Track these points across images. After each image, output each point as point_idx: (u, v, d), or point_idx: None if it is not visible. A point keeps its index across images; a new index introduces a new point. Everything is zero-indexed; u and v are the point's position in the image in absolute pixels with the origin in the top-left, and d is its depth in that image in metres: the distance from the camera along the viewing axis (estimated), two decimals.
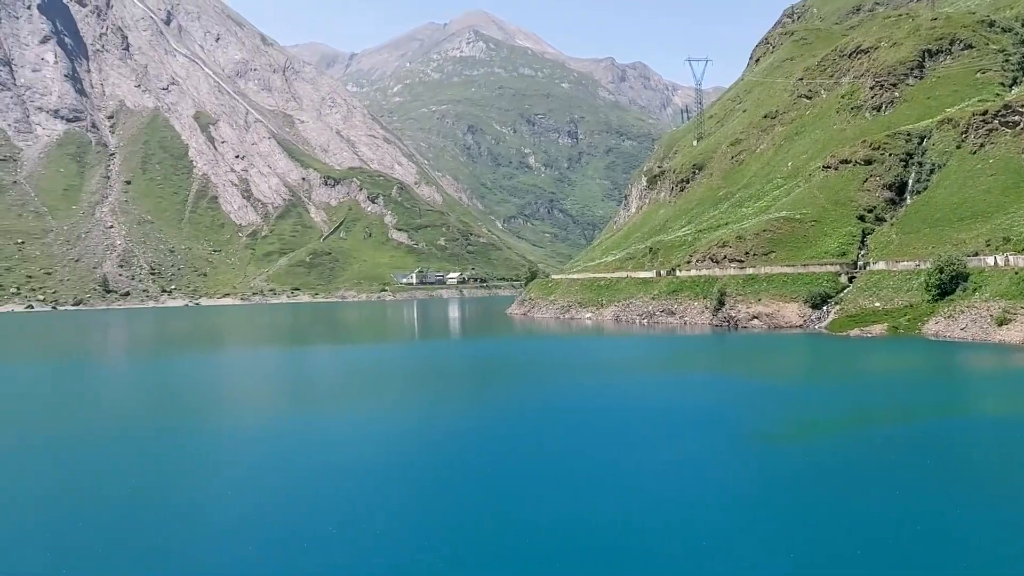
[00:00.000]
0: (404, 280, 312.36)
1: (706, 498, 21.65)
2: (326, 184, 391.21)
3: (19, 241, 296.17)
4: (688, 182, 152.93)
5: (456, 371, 58.45)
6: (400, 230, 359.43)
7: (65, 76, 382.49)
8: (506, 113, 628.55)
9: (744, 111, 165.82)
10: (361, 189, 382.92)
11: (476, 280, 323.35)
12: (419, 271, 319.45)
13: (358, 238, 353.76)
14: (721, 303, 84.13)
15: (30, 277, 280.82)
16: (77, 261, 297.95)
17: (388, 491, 23.44)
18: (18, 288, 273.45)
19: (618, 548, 17.90)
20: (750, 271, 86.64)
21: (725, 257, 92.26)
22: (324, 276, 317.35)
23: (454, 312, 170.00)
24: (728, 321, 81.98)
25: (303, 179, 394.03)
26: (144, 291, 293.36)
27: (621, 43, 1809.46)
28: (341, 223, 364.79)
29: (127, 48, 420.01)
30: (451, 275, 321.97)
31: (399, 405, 41.16)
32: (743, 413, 34.46)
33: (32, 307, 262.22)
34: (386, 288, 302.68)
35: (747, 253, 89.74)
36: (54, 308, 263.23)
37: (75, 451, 30.46)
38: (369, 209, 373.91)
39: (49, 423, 37.51)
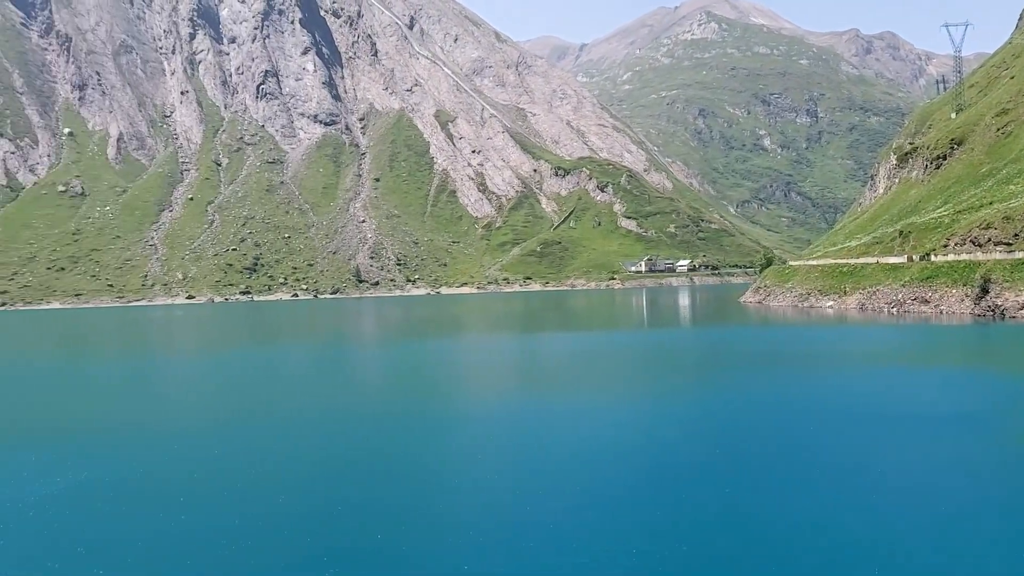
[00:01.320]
0: (633, 268, 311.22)
1: (970, 508, 19.78)
2: (556, 175, 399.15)
3: (286, 236, 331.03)
4: (944, 158, 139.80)
5: (692, 360, 57.74)
6: (629, 218, 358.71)
7: (323, 83, 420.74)
8: (739, 95, 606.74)
9: (1012, 78, 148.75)
10: (590, 178, 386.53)
11: (707, 267, 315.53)
12: (648, 258, 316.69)
13: (587, 227, 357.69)
14: (985, 290, 76.51)
15: (295, 268, 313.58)
16: (334, 253, 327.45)
17: (623, 479, 23.68)
18: (285, 278, 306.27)
19: (873, 560, 16.86)
20: (1020, 255, 77.89)
21: (989, 240, 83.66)
22: (554, 265, 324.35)
23: (684, 300, 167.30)
24: (993, 310, 74.41)
25: (534, 171, 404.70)
26: (391, 280, 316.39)
27: (866, 12, 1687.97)
28: (571, 213, 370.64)
29: (375, 54, 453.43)
30: (681, 262, 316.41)
31: (632, 392, 41.45)
32: (1017, 413, 31.22)
33: (297, 295, 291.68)
34: (614, 276, 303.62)
35: (1016, 235, 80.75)
36: (315, 296, 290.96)
37: (338, 427, 33.75)
38: (598, 198, 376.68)
39: (315, 400, 41.81)
